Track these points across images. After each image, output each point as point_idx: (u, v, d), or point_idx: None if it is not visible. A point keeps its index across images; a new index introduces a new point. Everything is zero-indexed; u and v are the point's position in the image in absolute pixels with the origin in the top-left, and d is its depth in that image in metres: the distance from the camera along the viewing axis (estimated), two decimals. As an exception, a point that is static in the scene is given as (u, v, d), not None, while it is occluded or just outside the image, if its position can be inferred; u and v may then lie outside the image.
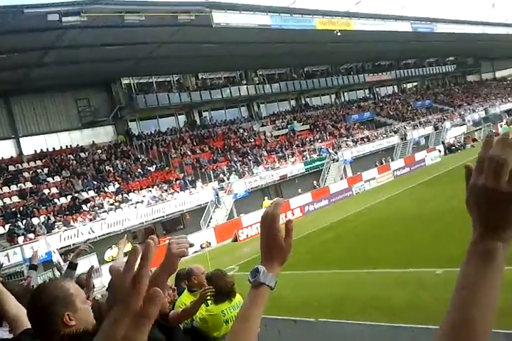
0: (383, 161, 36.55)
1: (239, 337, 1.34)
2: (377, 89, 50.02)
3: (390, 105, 48.01)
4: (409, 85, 54.91)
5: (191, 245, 1.65)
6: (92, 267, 7.83)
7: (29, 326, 1.98)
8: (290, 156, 33.46)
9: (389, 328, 6.44)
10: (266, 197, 28.69)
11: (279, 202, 1.41)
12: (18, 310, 2.31)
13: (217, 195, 26.91)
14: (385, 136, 39.88)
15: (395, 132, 40.67)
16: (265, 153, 33.84)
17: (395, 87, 52.66)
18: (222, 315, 4.37)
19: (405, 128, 41.71)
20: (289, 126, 38.62)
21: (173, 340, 3.86)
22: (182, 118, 35.64)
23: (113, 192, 26.08)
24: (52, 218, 22.76)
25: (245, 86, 37.25)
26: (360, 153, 35.92)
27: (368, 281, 12.13)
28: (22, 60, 22.90)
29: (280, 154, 33.77)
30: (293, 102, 42.91)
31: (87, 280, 5.21)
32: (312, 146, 35.52)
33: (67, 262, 5.13)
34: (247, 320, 1.34)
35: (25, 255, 18.83)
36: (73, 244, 20.89)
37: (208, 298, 4.11)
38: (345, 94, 47.29)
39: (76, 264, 4.68)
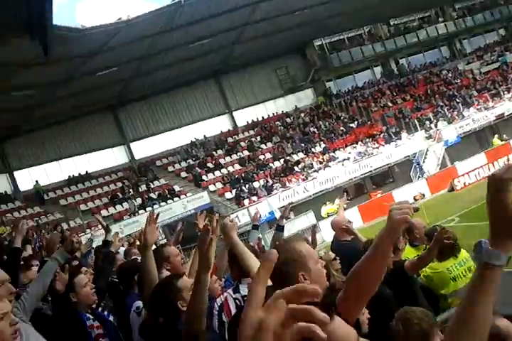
0: None
1: (465, 328, 1.16)
2: None
3: None
4: None
5: (416, 209, 1.58)
6: (315, 225, 8.46)
7: None
8: (505, 92, 29.75)
9: None
10: (496, 135, 26.37)
11: None
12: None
13: (418, 163, 25.58)
14: None
15: None
16: (475, 93, 30.76)
17: None
18: (447, 272, 4.19)
19: None
20: (500, 58, 34.12)
21: (411, 289, 3.86)
22: (378, 69, 34.58)
23: (320, 152, 27.19)
24: (270, 181, 25.00)
25: (443, 23, 34.04)
26: None
27: None
28: (225, 40, 25.11)
29: (493, 91, 30.29)
30: (501, 31, 37.55)
31: (312, 238, 5.57)
32: (533, 77, 30.92)
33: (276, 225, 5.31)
34: (472, 308, 1.15)
35: (252, 215, 21.15)
36: (291, 203, 22.61)
37: (445, 240, 3.91)
38: None
39: (282, 227, 4.82)
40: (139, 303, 3.54)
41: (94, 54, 19.54)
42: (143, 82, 25.78)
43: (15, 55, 15.80)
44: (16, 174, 25.17)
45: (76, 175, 26.26)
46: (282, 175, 25.46)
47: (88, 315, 3.58)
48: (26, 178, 25.06)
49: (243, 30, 25.20)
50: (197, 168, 26.85)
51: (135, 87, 26.12)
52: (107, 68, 21.12)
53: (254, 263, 2.65)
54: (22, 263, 4.34)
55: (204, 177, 26.29)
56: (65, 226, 21.47)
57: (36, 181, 24.75)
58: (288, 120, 30.85)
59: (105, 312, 4.06)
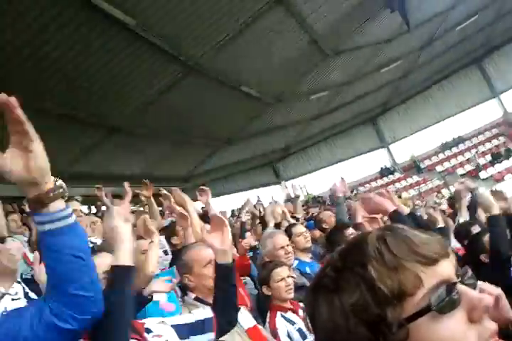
0: None
1: None
2: None
3: None
4: None
5: None
6: None
7: None
8: None
9: None
10: None
11: None
12: None
13: None
14: None
15: None
16: None
17: None
18: None
19: None
20: None
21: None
22: None
23: None
24: None
25: None
26: None
27: None
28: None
29: None
30: None
31: None
32: None
33: None
34: None
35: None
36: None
37: None
38: None
39: None
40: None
41: (451, 8, 17.71)
42: (509, 23, 22.24)
43: (379, 33, 15.76)
44: (392, 147, 26.15)
45: (448, 140, 25.44)
46: None
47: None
48: (401, 150, 25.76)
49: None
50: None
51: (500, 31, 22.79)
52: (467, 19, 18.97)
53: None
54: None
55: None
56: (446, 192, 20.92)
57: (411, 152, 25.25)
58: None
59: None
